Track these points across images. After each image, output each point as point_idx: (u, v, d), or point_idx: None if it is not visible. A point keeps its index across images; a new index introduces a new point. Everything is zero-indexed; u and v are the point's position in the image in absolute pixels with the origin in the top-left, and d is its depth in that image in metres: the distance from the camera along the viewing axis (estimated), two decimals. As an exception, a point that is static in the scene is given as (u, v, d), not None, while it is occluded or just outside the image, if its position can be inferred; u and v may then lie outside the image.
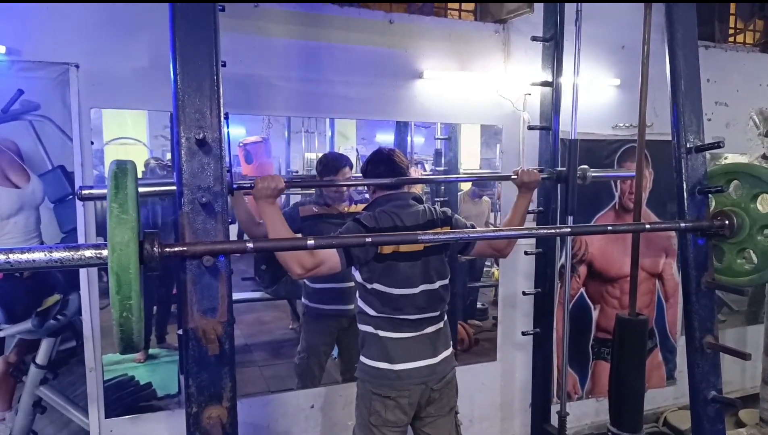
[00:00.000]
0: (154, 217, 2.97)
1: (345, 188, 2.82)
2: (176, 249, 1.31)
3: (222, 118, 1.43)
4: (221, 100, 1.43)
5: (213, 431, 1.31)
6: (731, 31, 4.28)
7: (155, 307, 3.21)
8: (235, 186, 1.91)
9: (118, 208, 1.13)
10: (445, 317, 2.23)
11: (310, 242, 1.43)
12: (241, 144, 4.40)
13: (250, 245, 1.38)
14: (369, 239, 1.52)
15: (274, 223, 1.89)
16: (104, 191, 1.65)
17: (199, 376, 1.36)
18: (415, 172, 3.32)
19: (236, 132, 4.59)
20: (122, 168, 1.19)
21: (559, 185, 2.68)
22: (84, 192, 1.67)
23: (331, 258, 1.97)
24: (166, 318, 3.00)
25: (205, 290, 1.36)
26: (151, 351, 3.04)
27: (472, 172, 3.55)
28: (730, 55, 3.74)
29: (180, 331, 1.61)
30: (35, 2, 2.24)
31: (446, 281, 2.20)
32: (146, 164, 3.29)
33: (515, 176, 2.23)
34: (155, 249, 1.27)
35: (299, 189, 4.06)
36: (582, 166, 2.55)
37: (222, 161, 1.41)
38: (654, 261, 3.62)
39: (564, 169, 2.55)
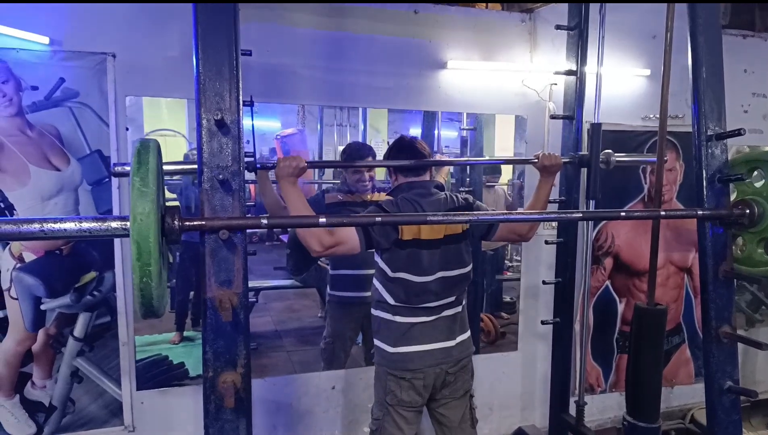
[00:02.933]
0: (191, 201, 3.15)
1: (368, 177, 2.88)
2: (195, 223, 1.39)
3: (240, 102, 1.50)
4: (240, 84, 1.49)
5: (227, 394, 1.39)
6: (773, 20, 4.12)
7: (191, 293, 3.36)
8: (258, 165, 1.99)
9: (139, 181, 1.22)
10: (464, 302, 2.24)
11: (322, 220, 1.50)
12: (278, 136, 4.50)
13: (264, 221, 1.45)
14: (379, 219, 1.57)
15: (294, 202, 1.93)
16: None
17: (216, 343, 1.45)
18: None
19: (272, 124, 4.73)
20: (145, 145, 1.28)
21: (582, 171, 2.64)
22: (117, 168, 1.84)
23: (351, 239, 1.98)
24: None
25: (222, 263, 1.44)
26: (186, 333, 3.19)
27: (493, 157, 3.51)
28: (769, 45, 3.62)
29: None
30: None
31: (466, 270, 2.19)
32: (185, 156, 3.43)
33: (536, 160, 2.21)
34: (176, 222, 1.36)
35: (320, 169, 4.13)
36: (606, 151, 2.50)
37: (240, 142, 1.48)
38: (683, 255, 3.54)
39: (587, 153, 2.50)
